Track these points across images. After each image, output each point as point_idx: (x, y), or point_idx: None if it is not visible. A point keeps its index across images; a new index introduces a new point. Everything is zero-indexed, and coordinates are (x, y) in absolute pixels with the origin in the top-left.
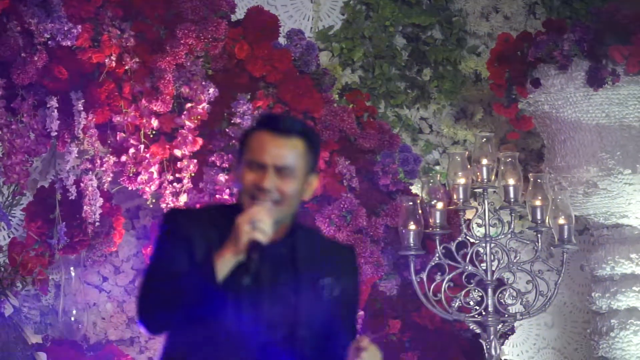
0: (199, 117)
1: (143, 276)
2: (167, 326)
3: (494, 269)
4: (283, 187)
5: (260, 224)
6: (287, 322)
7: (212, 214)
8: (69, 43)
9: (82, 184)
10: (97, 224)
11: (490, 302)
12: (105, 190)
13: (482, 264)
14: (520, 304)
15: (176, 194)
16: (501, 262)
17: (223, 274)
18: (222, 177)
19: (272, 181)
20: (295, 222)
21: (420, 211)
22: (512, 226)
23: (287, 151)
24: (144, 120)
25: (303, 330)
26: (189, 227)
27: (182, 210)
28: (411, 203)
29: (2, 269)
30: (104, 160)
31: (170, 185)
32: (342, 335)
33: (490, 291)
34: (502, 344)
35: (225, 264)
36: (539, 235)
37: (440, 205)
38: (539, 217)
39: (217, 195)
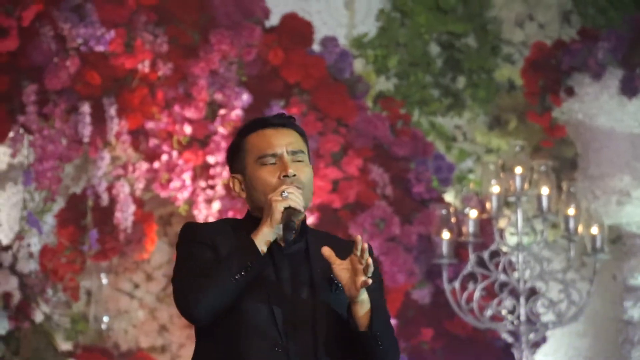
0: (232, 123)
1: (181, 277)
2: (219, 309)
3: (526, 278)
4: (300, 173)
5: (292, 195)
6: (310, 321)
7: (225, 225)
8: (101, 48)
9: (113, 191)
10: (129, 230)
11: (522, 311)
12: (137, 197)
13: (514, 273)
14: (553, 313)
15: (209, 201)
16: (533, 271)
17: (262, 248)
18: None
19: (292, 167)
20: (305, 222)
21: (453, 220)
22: (545, 235)
23: (293, 138)
24: (177, 127)
25: (323, 326)
26: (210, 236)
27: (198, 223)
28: (444, 211)
29: (33, 276)
30: (136, 166)
31: (203, 192)
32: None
33: (522, 300)
34: (534, 353)
35: (264, 237)
36: (571, 244)
37: (473, 213)
38: (571, 226)
39: None
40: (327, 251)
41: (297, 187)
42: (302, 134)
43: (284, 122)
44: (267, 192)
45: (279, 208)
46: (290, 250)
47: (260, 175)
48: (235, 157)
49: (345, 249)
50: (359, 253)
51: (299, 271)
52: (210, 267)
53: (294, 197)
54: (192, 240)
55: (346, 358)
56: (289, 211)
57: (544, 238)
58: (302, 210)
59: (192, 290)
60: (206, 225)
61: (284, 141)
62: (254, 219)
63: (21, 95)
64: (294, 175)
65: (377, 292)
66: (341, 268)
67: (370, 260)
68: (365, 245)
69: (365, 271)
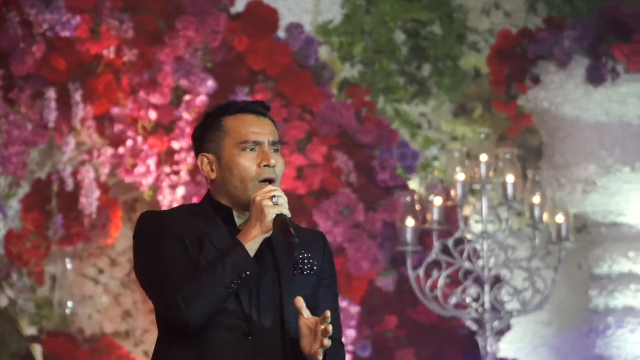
0: (197, 109)
1: (164, 279)
2: (208, 315)
3: (491, 265)
4: (279, 164)
5: (281, 199)
6: (275, 307)
7: (186, 212)
8: (67, 34)
9: (79, 176)
10: (94, 216)
11: (486, 298)
12: (102, 182)
13: (479, 261)
14: (517, 301)
15: (173, 187)
16: (498, 258)
17: (253, 253)
18: None
19: (273, 157)
20: None
21: (418, 207)
22: (510, 223)
23: (272, 128)
24: (142, 112)
25: (290, 313)
26: (176, 227)
27: (157, 211)
28: (409, 199)
29: None
30: (101, 151)
31: (168, 178)
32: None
33: (487, 288)
34: (498, 340)
35: (254, 243)
36: (536, 232)
37: (438, 201)
38: (537, 214)
39: None
40: (298, 302)
41: (273, 179)
42: (276, 125)
43: (265, 111)
44: (244, 179)
45: (270, 215)
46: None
47: (240, 160)
48: (209, 136)
49: (304, 234)
50: (323, 324)
51: (262, 257)
52: (199, 271)
53: (284, 202)
54: (157, 231)
55: None
56: (280, 217)
57: (508, 226)
58: (289, 214)
59: (183, 297)
60: (166, 214)
61: (266, 130)
62: (215, 204)
63: None
64: (275, 165)
65: (329, 288)
66: (304, 323)
67: (329, 328)
68: (328, 313)
69: (323, 334)
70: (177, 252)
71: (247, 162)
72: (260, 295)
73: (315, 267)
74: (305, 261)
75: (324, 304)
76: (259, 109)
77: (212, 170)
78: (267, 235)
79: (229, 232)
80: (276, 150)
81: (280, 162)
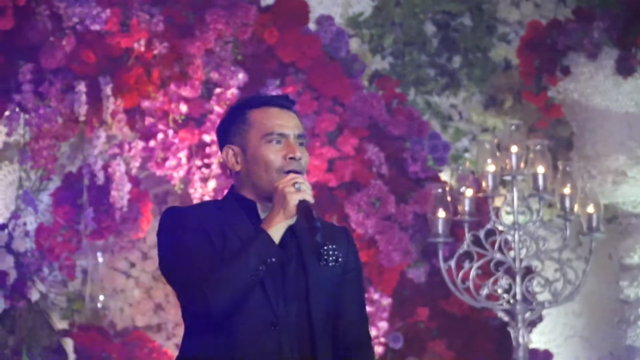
0: (228, 102)
1: (189, 270)
2: (234, 304)
3: (522, 257)
4: (304, 156)
5: (304, 186)
6: (301, 297)
7: (209, 208)
8: (97, 27)
9: (109, 169)
10: (125, 209)
11: (518, 290)
12: (133, 175)
13: (510, 252)
14: (549, 292)
15: (204, 180)
16: (529, 250)
17: (278, 240)
18: None
19: (299, 150)
20: None
21: (449, 198)
22: (541, 214)
23: (297, 122)
24: (173, 106)
25: (316, 303)
26: (199, 222)
27: (181, 207)
28: (440, 190)
29: (29, 254)
30: (132, 145)
31: (199, 171)
32: (352, 312)
33: (518, 279)
34: (530, 332)
35: (278, 230)
36: (567, 223)
37: (469, 192)
38: (567, 205)
39: None
40: None
41: (299, 171)
42: (300, 119)
43: (290, 105)
44: (269, 171)
45: (293, 201)
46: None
47: (265, 152)
48: (235, 129)
49: (327, 228)
50: None
51: (286, 247)
52: (223, 260)
53: (306, 189)
54: (182, 226)
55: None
56: (305, 205)
57: (540, 217)
58: (313, 201)
59: (209, 286)
60: (190, 210)
61: (291, 123)
62: (240, 198)
63: (17, 74)
64: (300, 158)
65: (354, 282)
66: None
67: None
68: None
69: None
70: (201, 244)
71: (273, 154)
72: (285, 285)
73: (340, 259)
74: (330, 252)
75: (350, 300)
76: (284, 102)
77: (237, 162)
78: (291, 222)
79: (253, 225)
80: (301, 144)
81: (305, 155)
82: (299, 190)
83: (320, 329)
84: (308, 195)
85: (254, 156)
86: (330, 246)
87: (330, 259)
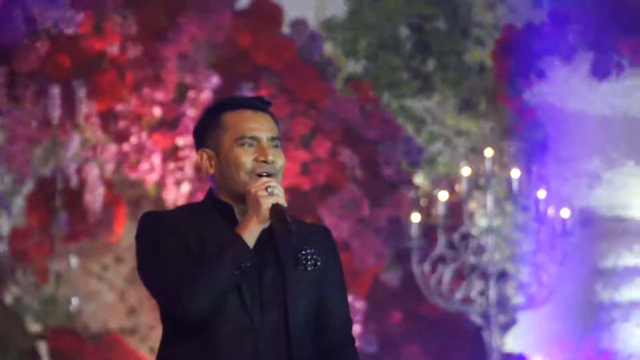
0: (201, 105)
1: (166, 275)
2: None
3: (496, 260)
4: (278, 159)
5: (276, 189)
6: (279, 303)
7: (186, 212)
8: (71, 30)
9: (83, 173)
10: (99, 212)
11: (492, 293)
12: (107, 178)
13: (484, 256)
14: (523, 295)
15: (178, 183)
16: (503, 253)
17: (252, 244)
18: None
19: (271, 153)
20: None
21: (423, 202)
22: (515, 217)
23: (272, 124)
24: (146, 109)
25: (294, 309)
26: (177, 225)
27: (159, 211)
28: (414, 193)
29: (3, 258)
30: (105, 148)
31: (172, 174)
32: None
33: (492, 282)
34: (504, 335)
35: (252, 234)
36: (541, 227)
37: (443, 196)
38: (542, 208)
39: None
40: None
41: (271, 173)
42: (276, 120)
43: (265, 106)
44: (241, 173)
45: (266, 205)
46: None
47: (237, 155)
48: (208, 132)
49: (308, 230)
50: None
51: (263, 252)
52: (199, 265)
53: (279, 193)
54: (160, 230)
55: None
56: (276, 207)
57: (513, 220)
58: (285, 204)
59: (184, 290)
60: (167, 214)
61: (265, 126)
62: (217, 202)
63: None
64: (273, 161)
65: (336, 283)
66: None
67: None
68: None
69: None
70: (178, 249)
71: (245, 157)
72: (262, 291)
73: (319, 263)
74: (309, 257)
75: (332, 302)
76: (259, 104)
77: (210, 165)
78: (265, 226)
79: (230, 228)
80: (276, 146)
81: (280, 157)
82: (272, 194)
83: (299, 334)
84: (281, 199)
85: (226, 159)
86: (308, 250)
87: (309, 263)
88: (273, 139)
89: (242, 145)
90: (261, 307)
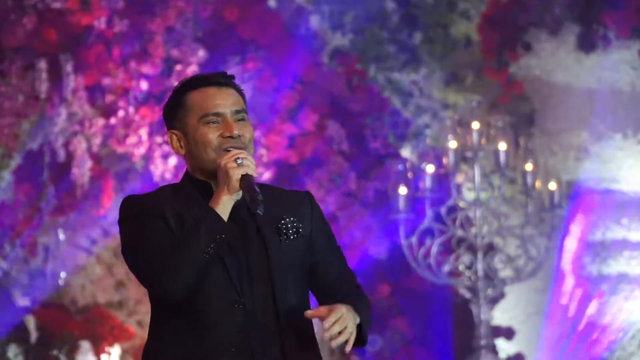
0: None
1: (146, 256)
2: (193, 285)
3: (484, 233)
4: (245, 132)
5: (246, 160)
6: (265, 277)
7: (165, 193)
8: (58, 5)
9: (70, 147)
10: (86, 186)
11: (480, 266)
12: (94, 152)
13: (472, 229)
14: (511, 268)
15: (165, 157)
16: (491, 226)
17: (226, 217)
18: None
19: (236, 127)
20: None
21: (410, 175)
22: (503, 191)
23: (236, 98)
24: (133, 83)
25: (280, 283)
26: (156, 207)
27: (138, 195)
28: (401, 167)
29: None
30: (92, 122)
31: (160, 148)
32: (333, 270)
33: (480, 256)
34: (492, 308)
35: (225, 206)
36: (529, 199)
37: (430, 169)
38: (529, 181)
39: None
40: (309, 313)
41: (241, 147)
42: (242, 93)
43: (227, 81)
44: (209, 151)
45: (236, 176)
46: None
47: (202, 133)
48: (175, 114)
49: (288, 198)
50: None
51: (245, 226)
52: (176, 243)
53: (249, 163)
54: (139, 213)
55: (305, 307)
56: (247, 178)
57: (501, 193)
58: (256, 175)
59: (164, 270)
60: (147, 196)
61: (227, 101)
62: (194, 180)
63: None
64: (239, 135)
65: (327, 242)
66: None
67: (333, 330)
68: (326, 325)
69: (331, 341)
70: (159, 231)
71: (211, 134)
72: (249, 265)
73: (300, 230)
74: (289, 225)
75: (328, 264)
76: (220, 79)
77: (181, 146)
78: (237, 198)
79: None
80: (241, 119)
81: (247, 130)
82: (242, 165)
83: (287, 310)
84: (251, 170)
85: (194, 139)
86: (287, 219)
87: (290, 232)
88: (237, 112)
89: (207, 123)
90: (250, 281)
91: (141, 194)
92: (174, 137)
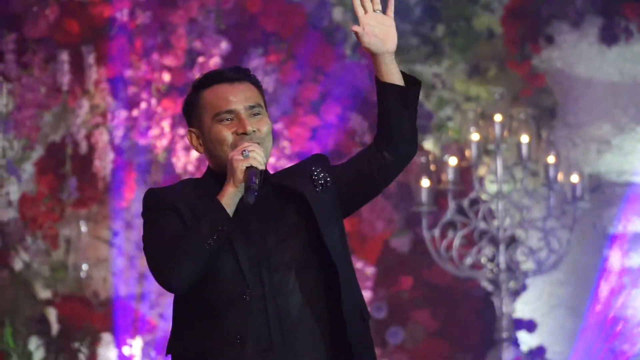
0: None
1: (152, 247)
2: (196, 279)
3: (506, 226)
4: (260, 126)
5: (252, 153)
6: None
7: (185, 186)
8: None
9: (92, 139)
10: (108, 178)
11: (502, 259)
12: (117, 144)
13: (494, 221)
14: (532, 261)
15: (187, 149)
16: (513, 219)
17: (231, 209)
18: None
19: (251, 123)
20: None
21: (432, 167)
22: (525, 183)
23: (250, 92)
24: (156, 75)
25: (328, 234)
26: (171, 200)
27: (158, 188)
28: (424, 159)
29: (12, 224)
30: (115, 114)
31: (182, 140)
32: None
33: (502, 248)
34: (514, 301)
35: (230, 198)
36: (551, 192)
37: (452, 161)
38: (551, 174)
39: None
40: (355, 28)
41: (257, 142)
42: (258, 85)
43: (239, 75)
44: (225, 149)
45: (240, 167)
46: (258, 198)
47: (217, 131)
48: (191, 112)
49: (300, 162)
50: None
51: (268, 217)
52: (180, 234)
53: (255, 155)
54: (155, 207)
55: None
56: (251, 170)
57: (523, 186)
58: (264, 167)
59: (166, 260)
60: (167, 189)
61: (240, 97)
62: (215, 175)
63: (0, 44)
64: (253, 131)
65: (340, 167)
66: (370, 34)
67: None
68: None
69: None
70: (169, 223)
71: (225, 132)
72: (270, 256)
73: (328, 178)
74: (321, 175)
75: (349, 165)
76: (233, 75)
77: (199, 144)
78: (241, 189)
79: None
80: (256, 114)
81: (263, 124)
82: (247, 157)
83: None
84: (256, 161)
85: (209, 137)
86: (316, 169)
87: (321, 181)
88: (251, 107)
89: (221, 121)
90: (267, 272)
91: (161, 187)
92: (193, 135)
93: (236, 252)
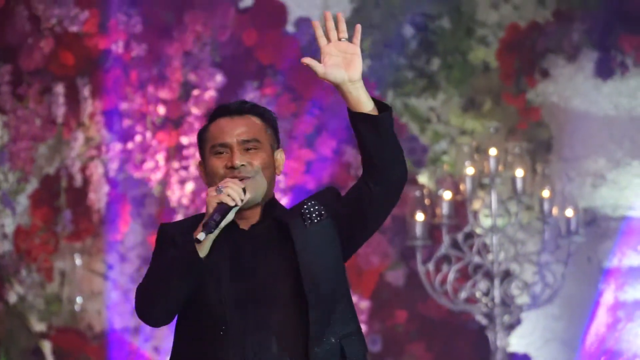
0: (205, 104)
1: (141, 282)
2: (169, 314)
3: (500, 260)
4: (252, 160)
5: (227, 189)
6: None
7: (195, 220)
8: (75, 29)
9: (87, 171)
10: (103, 211)
11: (496, 293)
12: (111, 177)
13: (488, 255)
14: (527, 295)
15: (182, 182)
16: (508, 253)
17: (204, 248)
18: None
19: (241, 157)
20: (272, 204)
21: (427, 201)
22: (519, 217)
23: (248, 127)
24: (151, 107)
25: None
26: (171, 235)
27: (168, 223)
28: (418, 193)
29: (7, 256)
30: (109, 147)
31: (177, 173)
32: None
33: (496, 282)
34: (509, 335)
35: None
36: (546, 226)
37: (447, 195)
38: (546, 208)
39: None
40: (306, 60)
41: (246, 176)
42: (265, 118)
43: (241, 109)
44: (217, 181)
45: (212, 203)
46: (255, 232)
47: (211, 164)
48: (199, 144)
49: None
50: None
51: (262, 251)
52: (155, 272)
53: (230, 192)
54: (157, 242)
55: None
56: (221, 206)
57: (518, 220)
58: (238, 204)
59: (142, 296)
60: (174, 224)
61: (235, 131)
62: None
63: None
64: (242, 165)
65: (343, 198)
66: (329, 65)
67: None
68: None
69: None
70: (159, 259)
71: (217, 165)
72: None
73: (323, 212)
74: (312, 209)
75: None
76: (234, 109)
77: (206, 175)
78: (221, 225)
79: (230, 232)
80: (249, 149)
81: (255, 158)
82: (220, 194)
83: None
84: (228, 198)
85: (207, 169)
86: (309, 203)
87: (314, 215)
88: (245, 141)
89: (215, 154)
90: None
91: (171, 222)
92: (200, 167)
93: (221, 285)
